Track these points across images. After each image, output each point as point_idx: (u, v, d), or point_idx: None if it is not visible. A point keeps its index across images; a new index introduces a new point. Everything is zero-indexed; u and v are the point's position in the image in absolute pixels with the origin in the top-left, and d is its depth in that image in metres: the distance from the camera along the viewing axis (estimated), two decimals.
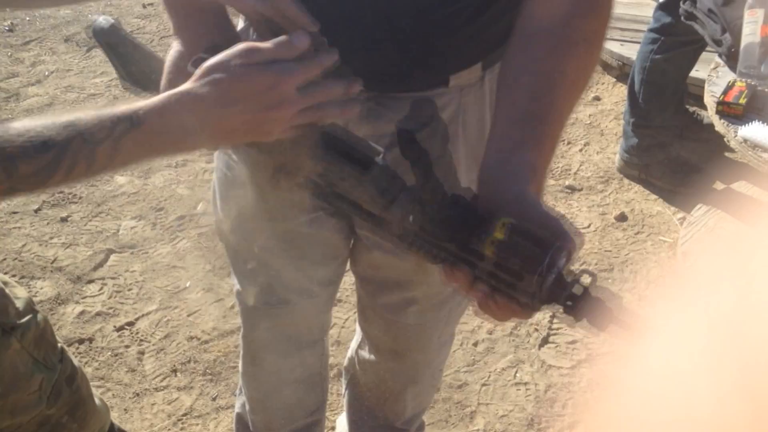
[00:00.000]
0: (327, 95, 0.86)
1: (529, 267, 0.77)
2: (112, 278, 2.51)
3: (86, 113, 0.78)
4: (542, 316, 2.36)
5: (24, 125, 0.76)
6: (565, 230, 0.81)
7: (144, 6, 4.28)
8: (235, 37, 1.04)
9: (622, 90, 3.42)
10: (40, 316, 1.10)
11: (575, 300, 0.80)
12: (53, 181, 0.77)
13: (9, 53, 3.81)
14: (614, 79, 3.55)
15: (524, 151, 0.91)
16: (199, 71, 0.81)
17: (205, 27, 1.04)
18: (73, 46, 3.89)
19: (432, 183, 0.80)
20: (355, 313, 2.17)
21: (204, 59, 0.85)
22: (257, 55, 0.82)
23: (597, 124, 3.30)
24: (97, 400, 1.63)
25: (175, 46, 1.04)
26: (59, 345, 1.39)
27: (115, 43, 1.07)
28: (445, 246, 0.84)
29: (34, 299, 2.35)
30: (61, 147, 0.75)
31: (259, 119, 0.84)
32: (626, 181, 2.95)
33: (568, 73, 0.96)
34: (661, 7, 2.70)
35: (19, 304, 1.08)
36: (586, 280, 0.81)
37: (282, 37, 0.84)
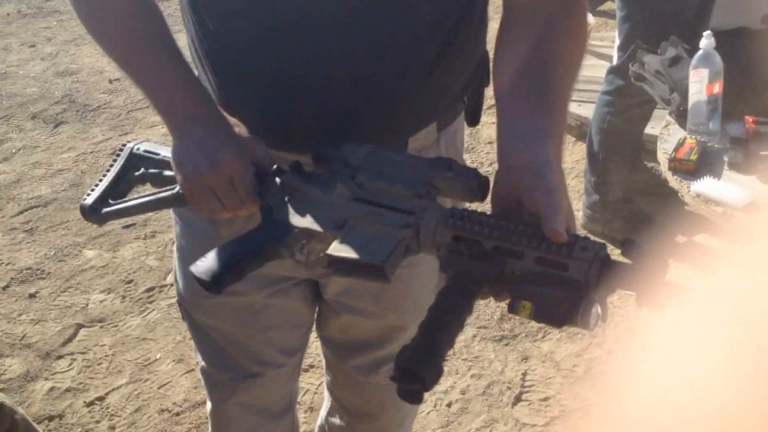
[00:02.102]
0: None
1: (566, 324, 0.80)
2: (82, 353, 2.50)
3: None
4: (514, 374, 2.38)
5: None
6: (555, 208, 0.85)
7: (110, 81, 4.33)
8: (220, 117, 1.10)
9: (581, 148, 3.51)
10: (8, 403, 1.09)
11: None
12: None
13: None
14: (574, 138, 3.63)
15: (536, 119, 0.95)
16: None
17: (192, 114, 1.09)
18: (40, 122, 3.91)
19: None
20: None
21: None
22: None
23: None
24: None
25: (174, 141, 1.09)
26: None
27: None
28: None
29: (3, 377, 2.33)
30: None
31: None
32: (591, 237, 3.00)
33: (560, 56, 1.01)
34: (612, 71, 2.80)
35: None
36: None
37: None
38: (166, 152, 1.12)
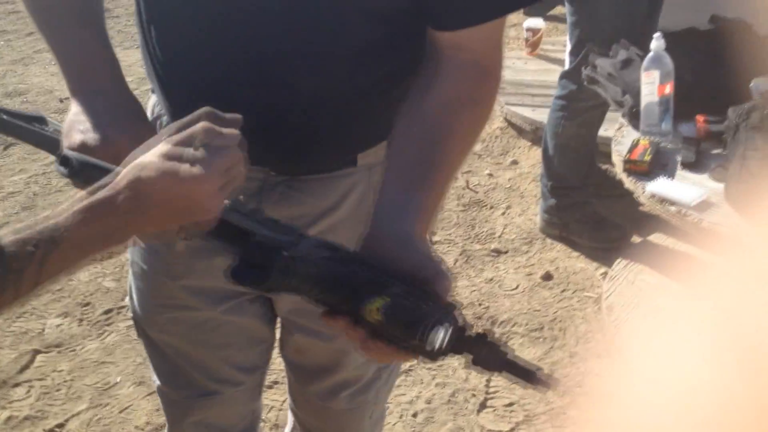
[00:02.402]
0: (232, 168, 0.85)
1: (409, 336, 0.82)
2: (39, 379, 2.44)
3: (6, 237, 0.76)
4: (479, 381, 2.38)
5: None
6: (440, 270, 0.88)
7: (61, 101, 4.26)
8: (129, 100, 1.07)
9: (537, 153, 3.54)
10: None
11: (475, 348, 0.85)
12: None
13: None
14: (529, 143, 3.66)
15: (413, 192, 0.97)
16: (119, 178, 0.81)
17: (100, 88, 1.06)
18: (8, 152, 3.83)
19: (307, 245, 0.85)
20: None
21: (68, 158, 0.87)
22: (178, 146, 0.82)
23: (517, 187, 3.39)
24: None
25: (72, 108, 1.05)
26: None
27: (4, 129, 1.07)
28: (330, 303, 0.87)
29: None
30: None
31: (180, 220, 0.85)
32: (549, 240, 3.03)
33: (456, 129, 1.03)
34: (564, 75, 2.83)
35: None
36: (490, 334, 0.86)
37: (204, 125, 0.85)
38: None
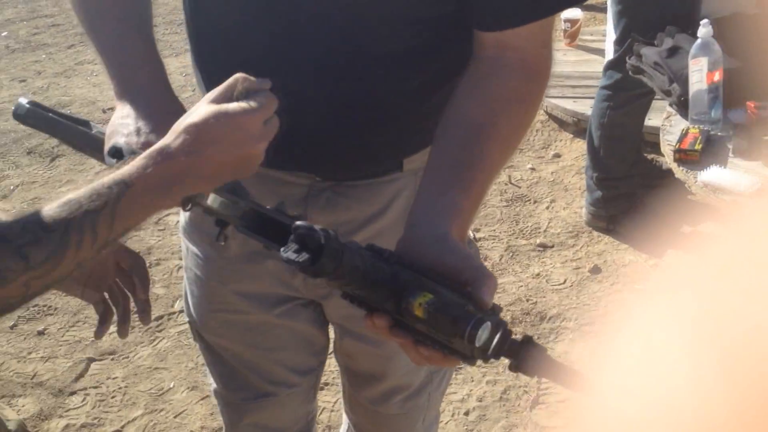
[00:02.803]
0: (272, 108, 0.91)
1: (454, 332, 0.80)
2: (95, 387, 2.48)
3: (78, 191, 0.81)
4: (530, 378, 2.36)
5: (21, 215, 0.79)
6: (483, 272, 0.85)
7: (104, 111, 4.32)
8: (173, 105, 1.07)
9: (580, 145, 3.50)
10: None
11: (517, 354, 0.82)
12: (65, 264, 0.79)
13: None
14: (571, 135, 3.63)
15: (451, 193, 0.94)
16: (173, 128, 0.86)
17: (144, 92, 1.06)
18: (36, 157, 3.90)
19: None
20: None
21: (118, 149, 0.89)
22: (221, 96, 0.88)
23: (560, 180, 3.36)
24: None
25: (117, 111, 1.05)
26: None
27: (39, 124, 1.08)
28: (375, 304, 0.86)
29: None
30: (66, 223, 0.78)
31: (236, 158, 0.88)
32: (595, 233, 2.99)
33: (500, 127, 1.00)
34: (610, 65, 2.79)
35: (12, 426, 1.06)
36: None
37: (240, 75, 0.90)
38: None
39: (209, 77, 1.17)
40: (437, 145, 1.02)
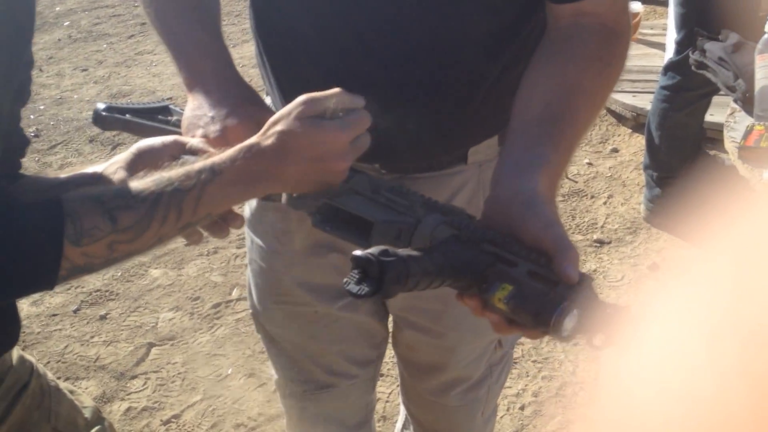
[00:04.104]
0: (362, 128, 0.93)
1: (539, 325, 0.78)
2: (155, 372, 2.53)
3: (170, 170, 0.86)
4: (587, 374, 2.35)
5: (119, 184, 0.84)
6: (564, 244, 0.80)
7: (163, 100, 4.39)
8: (244, 89, 1.08)
9: (638, 140, 3.46)
10: (106, 422, 1.12)
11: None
12: (149, 235, 0.83)
13: (36, 158, 3.91)
14: (630, 130, 3.58)
15: (538, 148, 0.91)
16: (265, 128, 0.90)
17: (215, 80, 1.07)
18: (98, 146, 3.98)
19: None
20: (398, 386, 2.18)
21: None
22: (316, 105, 0.90)
23: (618, 175, 3.33)
24: None
25: (189, 104, 1.07)
26: None
27: (117, 126, 1.11)
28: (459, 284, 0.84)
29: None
30: (156, 196, 0.82)
31: (318, 171, 0.90)
32: (654, 230, 2.96)
33: (584, 85, 0.97)
34: (670, 67, 2.74)
35: (87, 413, 1.10)
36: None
37: (337, 90, 0.92)
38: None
39: (279, 84, 1.19)
40: (520, 106, 0.99)
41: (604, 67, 1.00)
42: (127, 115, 1.12)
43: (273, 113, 1.03)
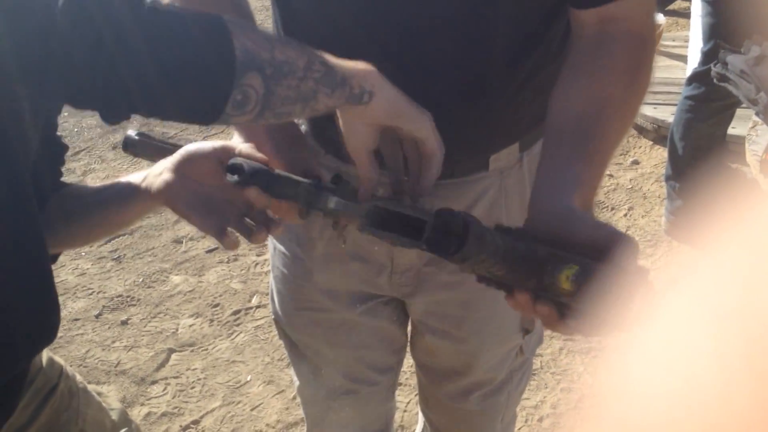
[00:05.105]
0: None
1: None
2: (175, 377, 2.55)
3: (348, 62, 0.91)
4: (607, 387, 2.34)
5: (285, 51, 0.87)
6: (620, 235, 0.80)
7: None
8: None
9: (659, 152, 3.45)
10: (134, 425, 1.13)
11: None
12: (295, 115, 0.88)
13: None
14: (651, 142, 3.57)
15: (572, 167, 0.92)
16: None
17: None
18: (121, 152, 4.01)
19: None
20: (416, 395, 2.18)
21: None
22: None
23: (639, 188, 3.32)
24: None
25: (235, 137, 1.08)
26: None
27: (147, 154, 1.13)
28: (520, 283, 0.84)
29: None
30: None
31: (394, 120, 0.95)
32: (675, 243, 2.95)
33: (614, 98, 0.97)
34: (695, 77, 2.73)
35: (114, 415, 1.11)
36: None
37: None
38: None
39: None
40: (553, 119, 1.00)
41: (633, 79, 1.00)
42: (158, 143, 1.13)
43: (311, 151, 1.06)
